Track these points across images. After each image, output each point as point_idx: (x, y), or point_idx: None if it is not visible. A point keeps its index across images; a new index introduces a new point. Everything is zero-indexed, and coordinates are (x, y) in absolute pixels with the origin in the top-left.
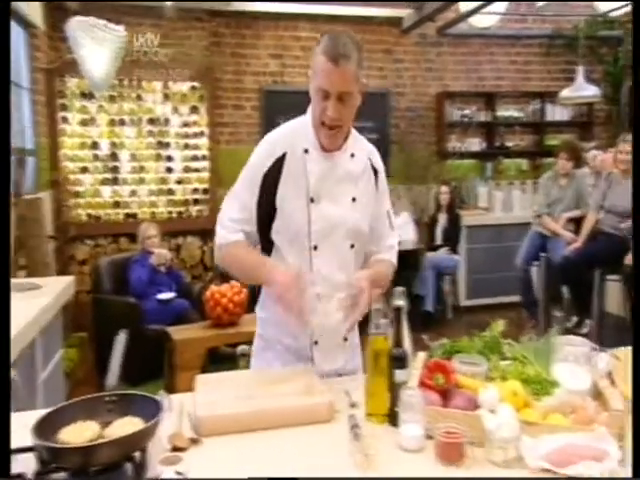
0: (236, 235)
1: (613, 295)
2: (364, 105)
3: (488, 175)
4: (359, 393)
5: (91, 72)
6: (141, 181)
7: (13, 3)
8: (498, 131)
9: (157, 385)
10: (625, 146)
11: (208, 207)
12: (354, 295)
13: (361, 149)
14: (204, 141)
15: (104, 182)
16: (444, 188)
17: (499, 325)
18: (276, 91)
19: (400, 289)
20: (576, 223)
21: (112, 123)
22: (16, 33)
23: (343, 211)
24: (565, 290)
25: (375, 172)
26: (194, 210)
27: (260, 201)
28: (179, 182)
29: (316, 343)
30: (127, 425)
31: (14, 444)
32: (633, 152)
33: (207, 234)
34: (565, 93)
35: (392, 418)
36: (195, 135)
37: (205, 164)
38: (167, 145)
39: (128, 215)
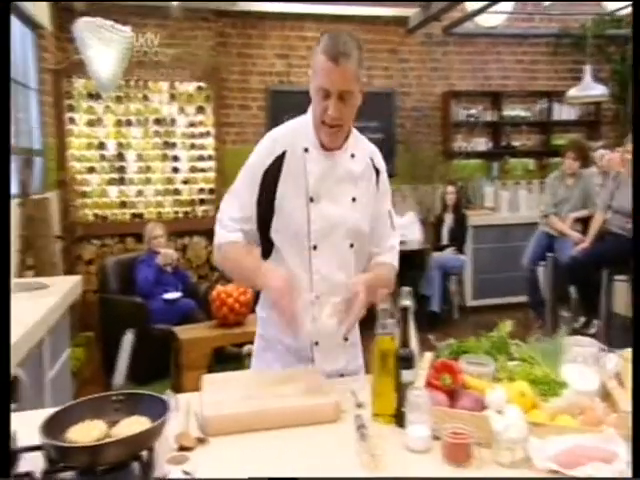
0: (235, 235)
1: (621, 295)
2: (370, 105)
3: (494, 175)
4: (365, 393)
5: (98, 73)
6: (147, 181)
7: (21, 4)
8: (504, 131)
9: (163, 384)
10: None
11: (214, 207)
12: (349, 300)
13: (362, 149)
14: (210, 141)
15: (111, 182)
16: (450, 188)
17: (506, 325)
18: (282, 91)
19: (407, 289)
20: (583, 223)
21: (119, 123)
22: (24, 34)
23: (343, 211)
24: (572, 290)
25: (377, 172)
26: (200, 210)
27: (260, 199)
28: (185, 182)
29: (317, 344)
30: (134, 424)
31: (22, 443)
32: (633, 152)
33: (213, 234)
34: (572, 92)
35: (399, 418)
36: (201, 135)
37: (211, 164)
38: (173, 145)
39: (134, 215)
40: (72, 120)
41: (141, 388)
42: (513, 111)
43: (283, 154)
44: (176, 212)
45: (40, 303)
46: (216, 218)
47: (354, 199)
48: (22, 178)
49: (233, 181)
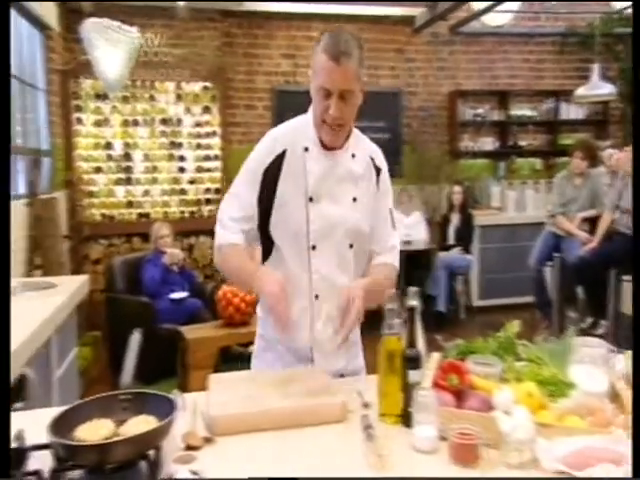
0: (235, 236)
1: (629, 296)
2: (376, 105)
3: (501, 175)
4: (371, 393)
5: (105, 73)
6: (154, 181)
7: (28, 5)
8: (511, 130)
9: (170, 384)
10: None
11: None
12: (346, 307)
13: (363, 149)
14: (216, 141)
15: (118, 182)
16: (457, 188)
17: (514, 326)
18: (288, 91)
19: (414, 289)
20: (591, 223)
21: (125, 123)
22: (32, 35)
23: (343, 211)
24: (580, 291)
25: (377, 171)
26: (206, 210)
27: (260, 198)
28: (191, 182)
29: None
30: (142, 423)
31: (30, 441)
32: (633, 152)
33: None
34: (580, 91)
35: (405, 419)
36: (207, 135)
37: (217, 164)
38: (180, 145)
39: (141, 215)
40: (79, 120)
41: (147, 387)
42: (520, 110)
43: (283, 153)
44: (182, 212)
45: (48, 302)
46: (217, 218)
47: (355, 199)
48: (30, 178)
49: None
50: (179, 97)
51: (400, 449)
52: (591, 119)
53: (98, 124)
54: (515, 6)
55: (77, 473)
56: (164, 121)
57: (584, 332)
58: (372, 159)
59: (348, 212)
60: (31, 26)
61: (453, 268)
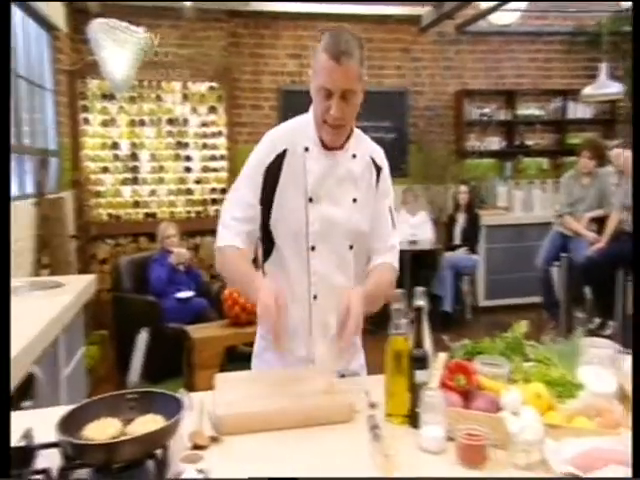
0: (237, 238)
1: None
2: (382, 104)
3: (508, 174)
4: (378, 393)
5: (112, 73)
6: (160, 181)
7: (36, 6)
8: (518, 130)
9: (176, 383)
10: None
11: None
12: (343, 318)
13: (364, 149)
14: (222, 141)
15: (124, 182)
16: (463, 187)
17: (522, 326)
18: (294, 91)
19: (421, 289)
20: (599, 223)
21: (132, 124)
22: (39, 35)
23: (343, 212)
24: (587, 291)
25: (378, 170)
26: (212, 210)
27: (262, 197)
28: (198, 182)
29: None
30: (149, 422)
31: (39, 440)
32: (633, 152)
33: None
34: (588, 90)
35: (412, 419)
36: (213, 135)
37: (223, 164)
38: (186, 145)
39: (148, 215)
40: (86, 120)
41: (154, 386)
42: (527, 110)
43: (284, 152)
44: (188, 212)
45: (55, 301)
46: (219, 218)
47: (355, 200)
48: (37, 178)
49: None
50: (185, 97)
51: (407, 449)
52: (599, 118)
53: (105, 124)
54: (522, 5)
55: (85, 472)
56: (170, 121)
57: (592, 333)
58: (372, 159)
59: (348, 213)
60: (39, 27)
61: (459, 268)
